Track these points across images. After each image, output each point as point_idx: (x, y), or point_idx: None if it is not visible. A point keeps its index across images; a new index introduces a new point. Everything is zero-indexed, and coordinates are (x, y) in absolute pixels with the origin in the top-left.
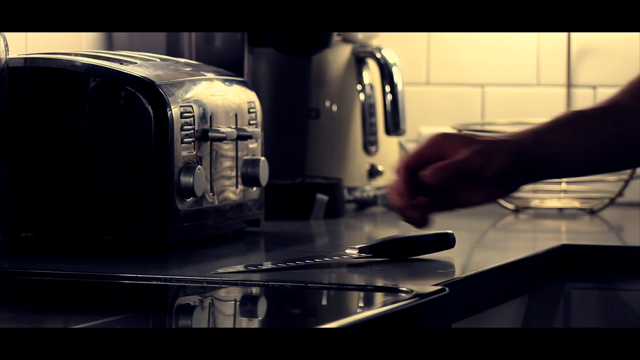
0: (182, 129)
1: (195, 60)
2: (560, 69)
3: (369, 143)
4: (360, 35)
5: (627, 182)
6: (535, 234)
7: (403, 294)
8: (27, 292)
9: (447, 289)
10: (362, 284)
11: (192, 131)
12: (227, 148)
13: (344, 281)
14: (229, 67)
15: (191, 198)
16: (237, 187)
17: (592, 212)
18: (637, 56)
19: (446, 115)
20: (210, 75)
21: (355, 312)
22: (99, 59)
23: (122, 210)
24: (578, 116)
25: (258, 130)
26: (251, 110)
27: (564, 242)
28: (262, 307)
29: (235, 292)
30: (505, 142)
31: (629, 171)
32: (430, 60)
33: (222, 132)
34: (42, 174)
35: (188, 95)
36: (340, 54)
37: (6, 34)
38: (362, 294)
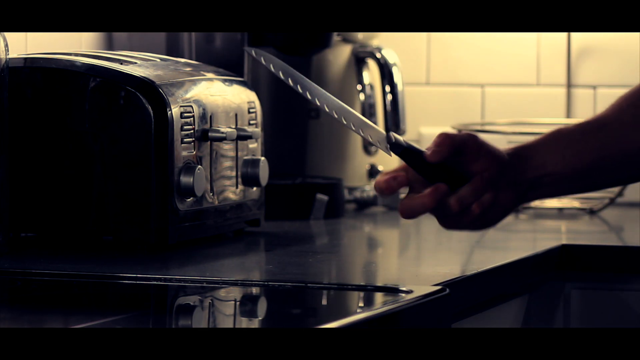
0: (182, 129)
1: (195, 60)
2: (560, 69)
3: (369, 143)
4: (360, 35)
5: None
6: (535, 234)
7: (403, 294)
8: (27, 292)
9: (447, 289)
10: (362, 284)
11: (192, 131)
12: (227, 148)
13: (344, 281)
14: (229, 67)
15: (191, 198)
16: (237, 187)
17: (592, 212)
18: (637, 56)
19: (446, 115)
20: (210, 75)
21: (355, 312)
22: (99, 59)
23: (122, 210)
24: (563, 136)
25: (258, 130)
26: (251, 110)
27: (564, 242)
28: (262, 307)
29: (235, 292)
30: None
31: None
32: (430, 60)
33: (222, 132)
34: (42, 174)
35: (188, 95)
36: (340, 54)
37: (6, 34)
38: (362, 294)
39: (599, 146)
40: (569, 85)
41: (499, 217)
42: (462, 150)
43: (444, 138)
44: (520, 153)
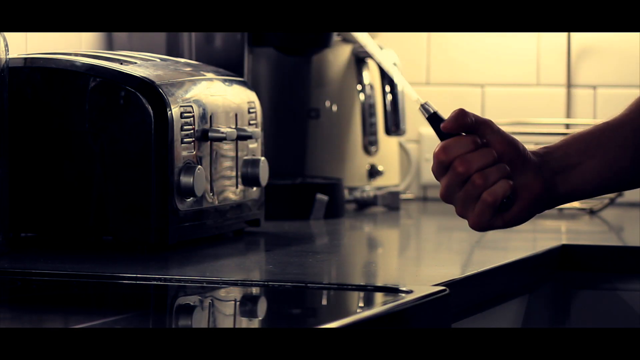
0: (182, 129)
1: (195, 60)
2: (560, 69)
3: (369, 143)
4: None
5: None
6: (535, 234)
7: (403, 294)
8: (27, 292)
9: (447, 289)
10: (362, 284)
11: (192, 131)
12: (227, 148)
13: (344, 281)
14: (229, 67)
15: (191, 198)
16: (237, 187)
17: (592, 212)
18: (637, 56)
19: (446, 115)
20: (210, 75)
21: (355, 312)
22: (99, 59)
23: (122, 210)
24: (592, 138)
25: (258, 130)
26: (251, 110)
27: (564, 242)
28: (262, 307)
29: (235, 292)
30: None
31: None
32: (430, 60)
33: (222, 132)
34: (42, 174)
35: (188, 95)
36: (340, 54)
37: (6, 34)
38: (362, 294)
39: (628, 143)
40: (569, 85)
41: (529, 206)
42: (476, 129)
43: (459, 112)
44: (541, 149)
